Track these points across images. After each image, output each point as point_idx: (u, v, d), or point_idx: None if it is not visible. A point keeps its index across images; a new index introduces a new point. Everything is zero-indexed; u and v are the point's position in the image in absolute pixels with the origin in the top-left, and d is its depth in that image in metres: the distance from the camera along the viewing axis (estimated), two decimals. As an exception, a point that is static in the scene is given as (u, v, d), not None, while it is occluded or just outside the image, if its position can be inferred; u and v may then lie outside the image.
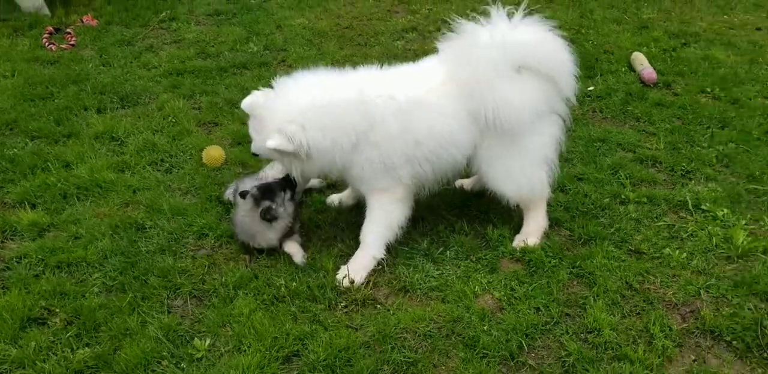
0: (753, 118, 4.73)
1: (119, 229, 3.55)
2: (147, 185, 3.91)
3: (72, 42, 5.85)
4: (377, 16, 6.70)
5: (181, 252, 3.44)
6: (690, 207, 3.79)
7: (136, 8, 6.73)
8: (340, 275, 3.26)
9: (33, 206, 3.72)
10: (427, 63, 3.42)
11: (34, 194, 3.79)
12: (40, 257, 3.32)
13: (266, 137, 3.05)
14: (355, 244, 3.41)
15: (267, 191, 3.36)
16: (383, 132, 3.15)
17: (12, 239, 3.51)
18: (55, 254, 3.34)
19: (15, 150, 4.21)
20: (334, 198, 3.84)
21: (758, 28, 6.50)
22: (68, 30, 6.06)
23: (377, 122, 3.14)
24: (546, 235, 3.55)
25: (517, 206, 3.53)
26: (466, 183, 3.91)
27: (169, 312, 3.05)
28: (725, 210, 3.73)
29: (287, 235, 3.42)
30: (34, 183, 3.87)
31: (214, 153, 4.06)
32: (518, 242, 3.48)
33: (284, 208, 3.38)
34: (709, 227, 3.61)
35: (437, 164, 3.31)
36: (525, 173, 3.36)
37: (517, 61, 3.19)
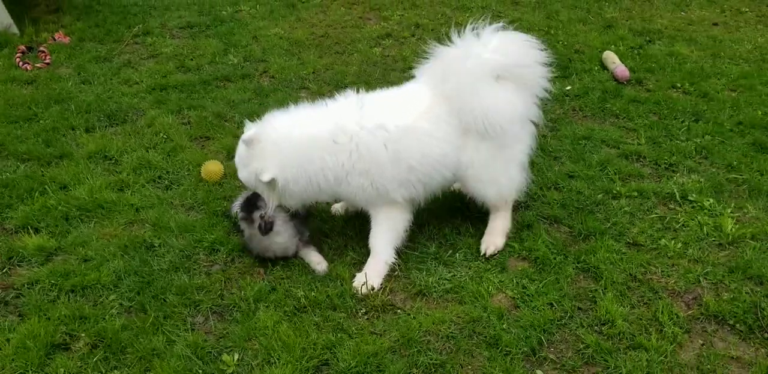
0: (723, 110, 4.96)
1: (129, 249, 3.55)
2: (149, 203, 3.91)
3: (47, 60, 5.77)
4: (351, 23, 6.77)
5: (195, 269, 3.47)
6: (678, 199, 3.98)
7: (107, 24, 6.65)
8: (357, 283, 3.34)
9: (36, 231, 3.69)
10: (411, 87, 3.52)
11: (35, 218, 3.75)
12: (52, 282, 3.30)
13: (253, 171, 3.23)
14: (366, 251, 3.49)
15: (251, 206, 3.42)
16: (373, 161, 3.25)
17: (20, 266, 3.47)
18: (68, 278, 3.33)
19: (7, 174, 4.15)
20: (337, 207, 3.91)
21: (715, 24, 6.80)
22: (41, 48, 5.96)
23: (364, 153, 3.23)
24: (548, 233, 3.69)
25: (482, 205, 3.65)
26: (456, 185, 4.03)
27: (193, 330, 3.07)
28: (711, 200, 3.93)
29: (304, 243, 3.48)
30: (33, 207, 3.83)
31: (212, 168, 4.09)
32: (488, 245, 3.55)
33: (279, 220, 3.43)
34: (699, 217, 3.79)
35: (430, 184, 3.43)
36: (507, 177, 3.51)
37: (495, 70, 3.29)
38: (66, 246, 3.57)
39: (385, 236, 3.46)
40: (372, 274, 3.37)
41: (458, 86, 3.28)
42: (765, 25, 6.76)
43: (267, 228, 3.38)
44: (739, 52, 5.98)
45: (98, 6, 7.17)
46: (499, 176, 3.48)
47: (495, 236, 3.60)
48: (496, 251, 3.55)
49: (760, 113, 4.90)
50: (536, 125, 3.57)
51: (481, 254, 3.53)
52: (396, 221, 3.46)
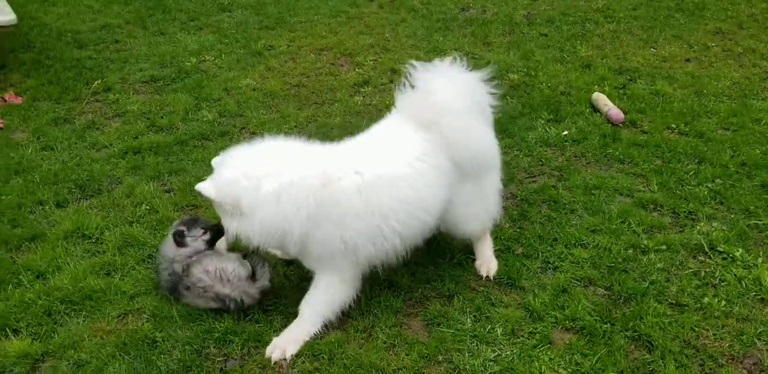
0: (723, 151, 4.88)
1: (128, 347, 3.11)
2: (144, 289, 3.48)
3: None
4: (324, 71, 6.49)
5: (207, 366, 3.05)
6: (707, 250, 3.81)
7: (60, 80, 6.15)
8: (270, 349, 3.11)
9: (16, 332, 3.20)
10: (390, 123, 3.37)
11: (13, 317, 3.26)
12: (44, 397, 2.84)
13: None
14: (402, 338, 3.16)
15: (190, 221, 3.50)
16: (347, 208, 3.00)
17: (0, 377, 2.99)
18: (63, 391, 2.86)
19: (-29, 263, 3.65)
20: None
21: (687, 60, 6.82)
22: (-8, 111, 5.45)
23: (339, 199, 2.99)
24: (586, 297, 3.44)
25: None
26: None
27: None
28: (740, 250, 3.77)
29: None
30: (9, 303, 3.34)
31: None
32: (486, 268, 3.63)
33: (195, 242, 3.42)
34: (734, 270, 3.63)
35: (406, 234, 3.16)
36: (488, 210, 3.52)
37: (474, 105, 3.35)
38: (54, 350, 3.09)
39: (319, 308, 3.23)
40: (289, 340, 3.15)
41: (453, 126, 3.20)
42: (734, 59, 6.82)
43: (179, 239, 3.39)
44: (720, 89, 5.97)
45: (48, 61, 6.65)
46: (481, 212, 3.50)
47: (487, 260, 3.68)
48: (494, 272, 3.61)
49: (758, 152, 4.84)
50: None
51: (483, 277, 3.60)
52: (336, 296, 3.23)
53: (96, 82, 6.00)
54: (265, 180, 2.93)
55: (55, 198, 4.28)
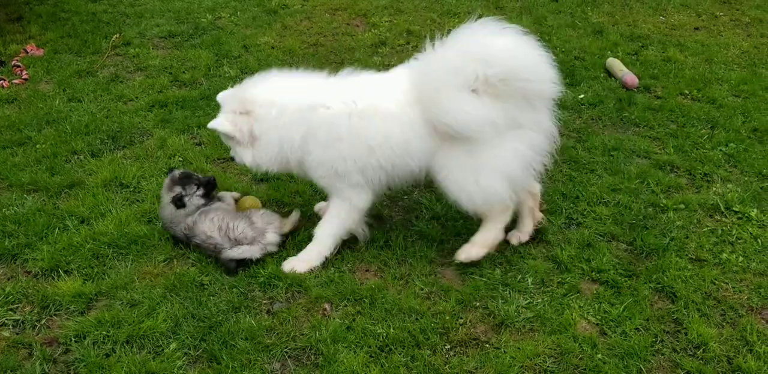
0: (735, 116, 5.03)
1: (177, 289, 3.24)
2: (185, 236, 3.58)
3: (24, 76, 5.26)
4: (340, 31, 6.52)
5: (255, 308, 3.19)
6: (723, 210, 3.98)
7: (79, 33, 6.14)
8: (284, 265, 3.42)
9: (67, 273, 3.31)
10: (397, 72, 3.49)
11: (63, 259, 3.37)
12: (104, 333, 2.96)
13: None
14: (433, 281, 3.33)
15: (183, 178, 3.56)
16: (333, 134, 3.24)
17: (58, 315, 3.10)
18: (121, 327, 2.99)
19: (15, 208, 3.73)
20: (322, 205, 3.85)
21: (696, 28, 6.93)
22: (15, 62, 5.43)
23: (326, 125, 3.24)
24: (609, 251, 3.60)
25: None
26: None
27: (275, 379, 2.82)
28: (755, 210, 3.95)
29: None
30: (57, 246, 3.44)
31: (250, 203, 3.76)
32: (462, 252, 3.46)
33: (192, 200, 3.52)
34: (750, 229, 3.81)
35: (392, 172, 3.36)
36: (479, 185, 3.29)
37: (480, 71, 3.08)
38: (106, 290, 3.21)
39: (332, 231, 3.48)
40: (303, 259, 3.45)
41: (434, 85, 3.20)
42: (742, 29, 6.95)
43: (176, 201, 3.47)
44: (730, 57, 6.10)
45: (63, 14, 6.61)
46: (469, 184, 3.29)
47: (473, 246, 3.47)
48: (467, 260, 3.45)
49: (769, 119, 5.01)
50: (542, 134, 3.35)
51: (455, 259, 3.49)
52: (347, 221, 3.48)
53: (115, 36, 5.99)
54: (270, 108, 3.26)
55: (89, 148, 4.35)
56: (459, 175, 3.30)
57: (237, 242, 3.38)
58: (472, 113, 3.12)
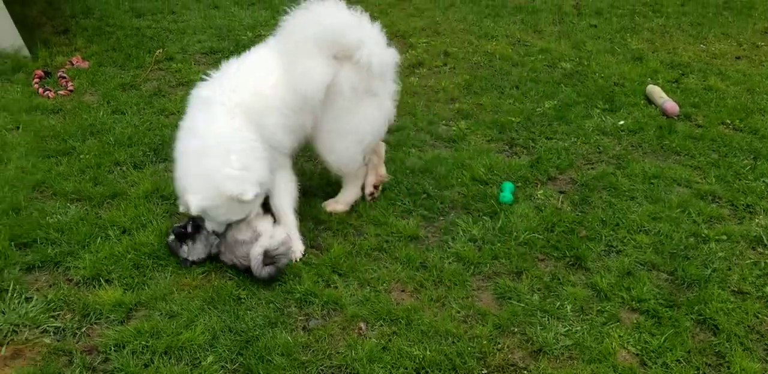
0: (779, 148, 4.97)
1: (215, 302, 3.25)
2: (224, 251, 3.61)
3: (70, 87, 5.37)
4: (379, 51, 6.57)
5: (290, 323, 3.19)
6: (766, 242, 3.91)
7: (123, 47, 6.28)
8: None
9: (108, 282, 3.34)
10: (261, 53, 3.72)
11: (105, 268, 3.41)
12: (143, 343, 2.97)
13: None
14: (466, 306, 3.30)
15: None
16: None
17: (98, 324, 3.13)
18: (159, 337, 3.00)
19: (58, 217, 3.78)
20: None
21: (738, 57, 6.88)
22: (60, 74, 5.55)
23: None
24: (650, 280, 3.55)
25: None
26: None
27: (309, 397, 2.80)
28: (799, 244, 3.88)
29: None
30: (99, 255, 3.48)
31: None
32: (328, 204, 4.02)
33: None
34: (793, 262, 3.74)
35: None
36: (342, 147, 3.76)
37: (325, 40, 3.47)
38: (146, 300, 3.23)
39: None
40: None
41: (290, 50, 3.52)
42: (783, 59, 6.88)
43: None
44: (772, 88, 6.04)
45: (108, 28, 6.77)
46: (336, 146, 3.75)
47: (337, 203, 4.03)
48: (333, 213, 3.98)
49: (813, 152, 4.92)
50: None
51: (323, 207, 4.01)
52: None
53: (158, 51, 6.11)
54: None
55: (131, 160, 4.41)
56: (326, 140, 3.74)
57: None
58: (318, 75, 3.48)
